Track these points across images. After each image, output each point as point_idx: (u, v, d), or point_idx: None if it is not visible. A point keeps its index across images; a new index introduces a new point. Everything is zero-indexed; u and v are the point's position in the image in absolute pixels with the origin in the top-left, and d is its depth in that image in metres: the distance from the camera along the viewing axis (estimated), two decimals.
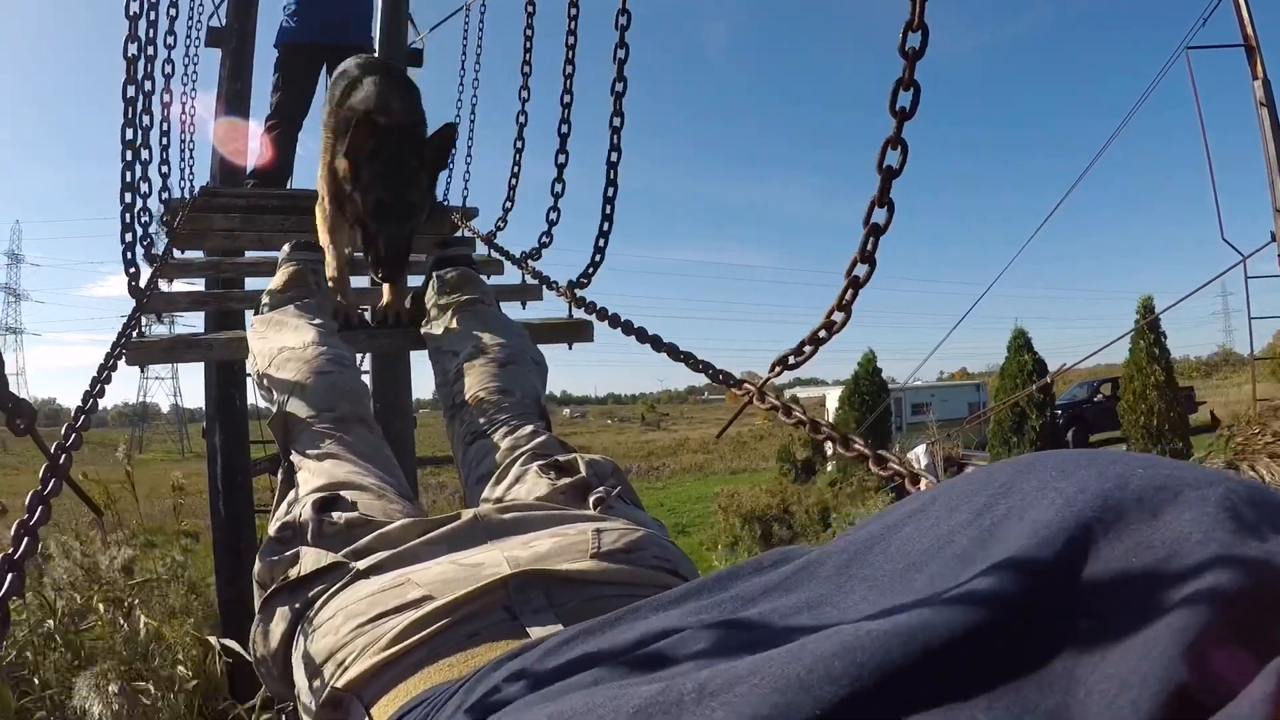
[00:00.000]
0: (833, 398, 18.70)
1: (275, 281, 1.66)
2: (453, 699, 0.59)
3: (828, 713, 0.30)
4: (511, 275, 2.58)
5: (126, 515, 5.67)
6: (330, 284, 1.77)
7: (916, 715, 0.30)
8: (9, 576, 0.75)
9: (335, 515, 0.99)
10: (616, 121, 1.90)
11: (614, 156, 1.91)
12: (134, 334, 1.70)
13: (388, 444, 1.35)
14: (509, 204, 2.81)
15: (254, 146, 3.96)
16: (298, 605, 0.88)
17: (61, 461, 1.00)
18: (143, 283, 1.83)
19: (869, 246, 1.15)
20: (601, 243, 1.99)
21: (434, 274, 1.79)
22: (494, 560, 0.80)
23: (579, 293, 2.01)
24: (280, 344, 1.44)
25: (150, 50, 1.83)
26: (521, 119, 2.63)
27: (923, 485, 1.05)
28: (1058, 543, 0.33)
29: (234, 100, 3.98)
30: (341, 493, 1.07)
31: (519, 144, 2.70)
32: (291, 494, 1.14)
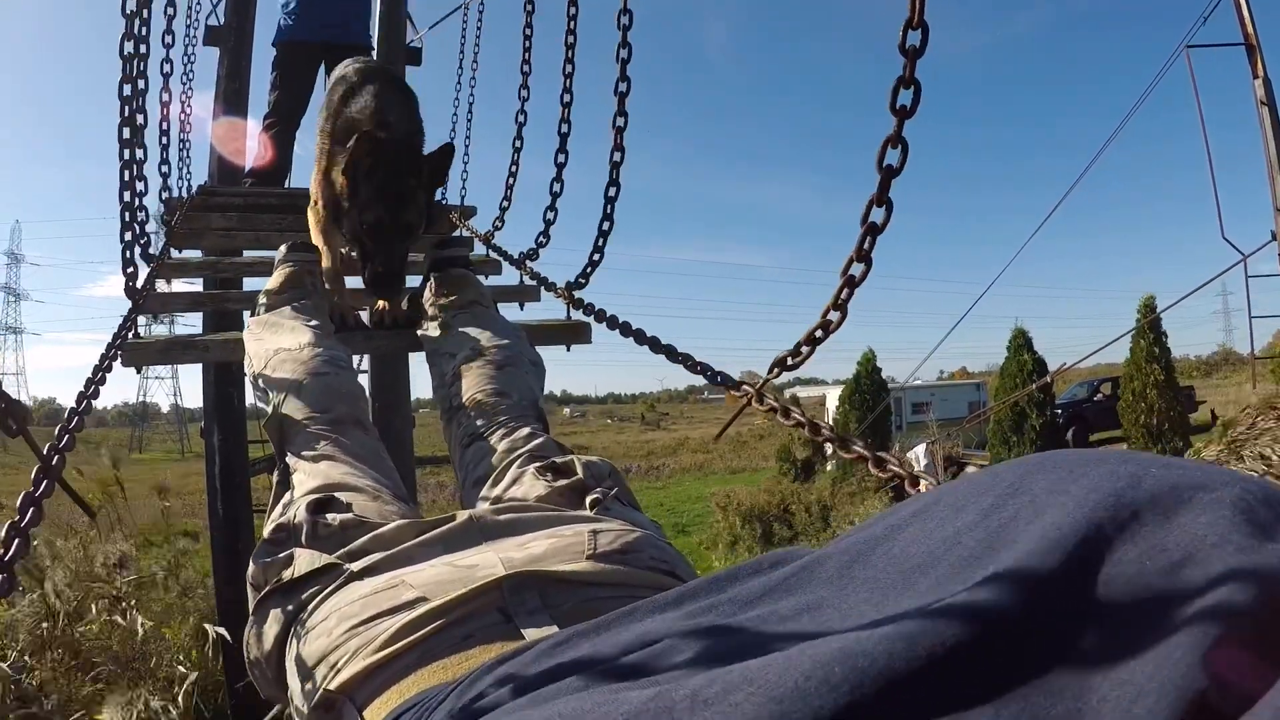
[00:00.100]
0: (833, 397, 18.69)
1: (272, 282, 1.65)
2: (445, 702, 0.58)
3: None
4: (510, 276, 2.58)
5: (126, 515, 5.67)
6: (327, 285, 1.76)
7: None
8: None
9: (330, 517, 0.98)
10: (620, 121, 1.89)
11: (616, 156, 1.90)
12: (130, 334, 1.69)
13: (384, 446, 1.35)
14: (506, 203, 2.80)
15: (252, 146, 3.97)
16: (291, 607, 0.87)
17: (54, 462, 0.99)
18: (140, 283, 1.82)
19: (866, 245, 1.15)
20: (601, 242, 1.98)
21: (431, 275, 1.78)
22: (489, 562, 0.80)
23: (577, 294, 2.01)
24: (276, 345, 1.43)
25: (144, 49, 1.82)
26: (520, 118, 2.62)
27: (923, 487, 1.04)
28: (1069, 545, 0.32)
29: (232, 99, 3.97)
30: (336, 494, 1.07)
31: (517, 143, 2.69)
32: (287, 496, 1.14)
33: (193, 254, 2.93)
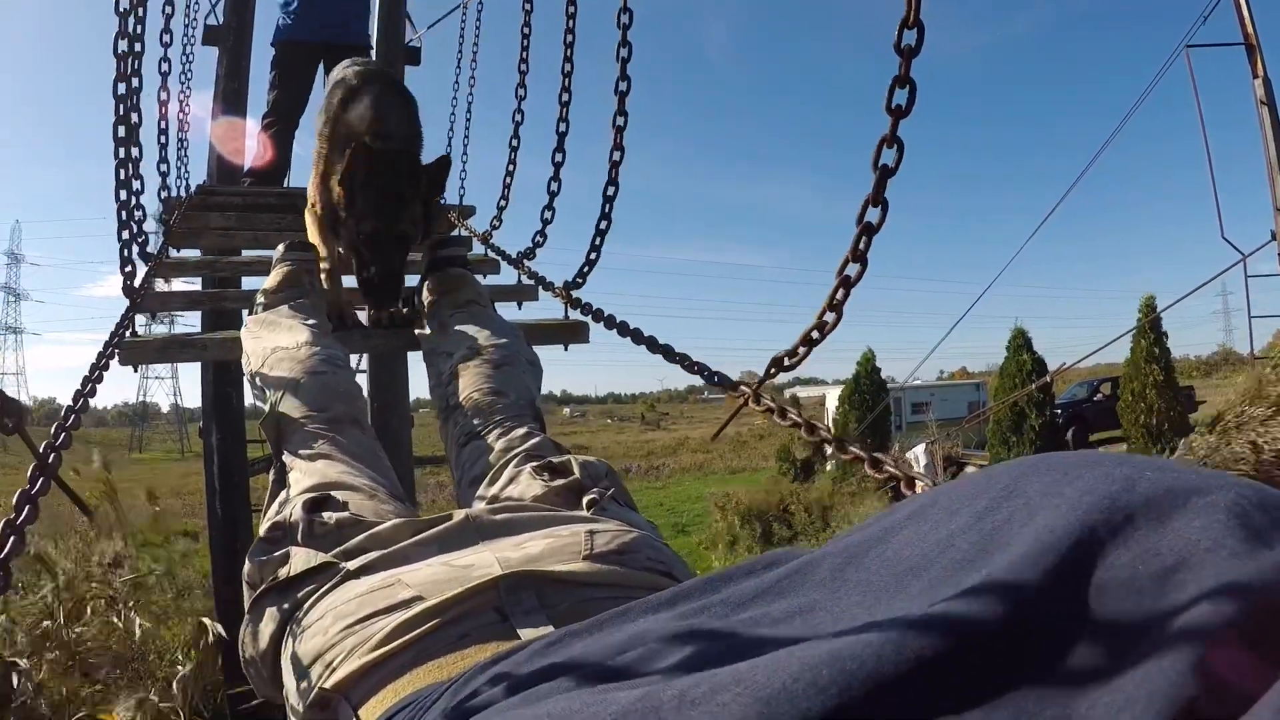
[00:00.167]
0: (833, 397, 18.69)
1: (269, 281, 1.65)
2: (439, 701, 0.58)
3: None
4: (508, 275, 2.58)
5: (122, 516, 5.66)
6: (325, 285, 1.76)
7: None
8: None
9: (326, 515, 0.98)
10: (620, 121, 1.89)
11: (616, 156, 1.90)
12: (127, 333, 1.70)
13: (381, 445, 1.35)
14: (504, 202, 2.80)
15: (251, 145, 3.97)
16: (287, 606, 0.87)
17: (50, 461, 0.99)
18: (137, 282, 1.82)
19: (861, 246, 1.15)
20: (599, 242, 1.98)
21: (429, 274, 1.78)
22: (485, 561, 0.80)
23: (575, 293, 2.01)
24: (274, 344, 1.43)
25: (139, 47, 1.82)
26: (518, 117, 2.63)
27: (919, 488, 1.04)
28: (1061, 549, 0.32)
29: (231, 99, 3.97)
30: (333, 493, 1.07)
31: (514, 142, 2.69)
32: (283, 494, 1.14)
33: (191, 253, 2.93)
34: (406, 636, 0.71)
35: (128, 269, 1.81)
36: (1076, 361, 13.67)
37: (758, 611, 0.43)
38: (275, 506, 1.10)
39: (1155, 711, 0.25)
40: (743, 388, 1.38)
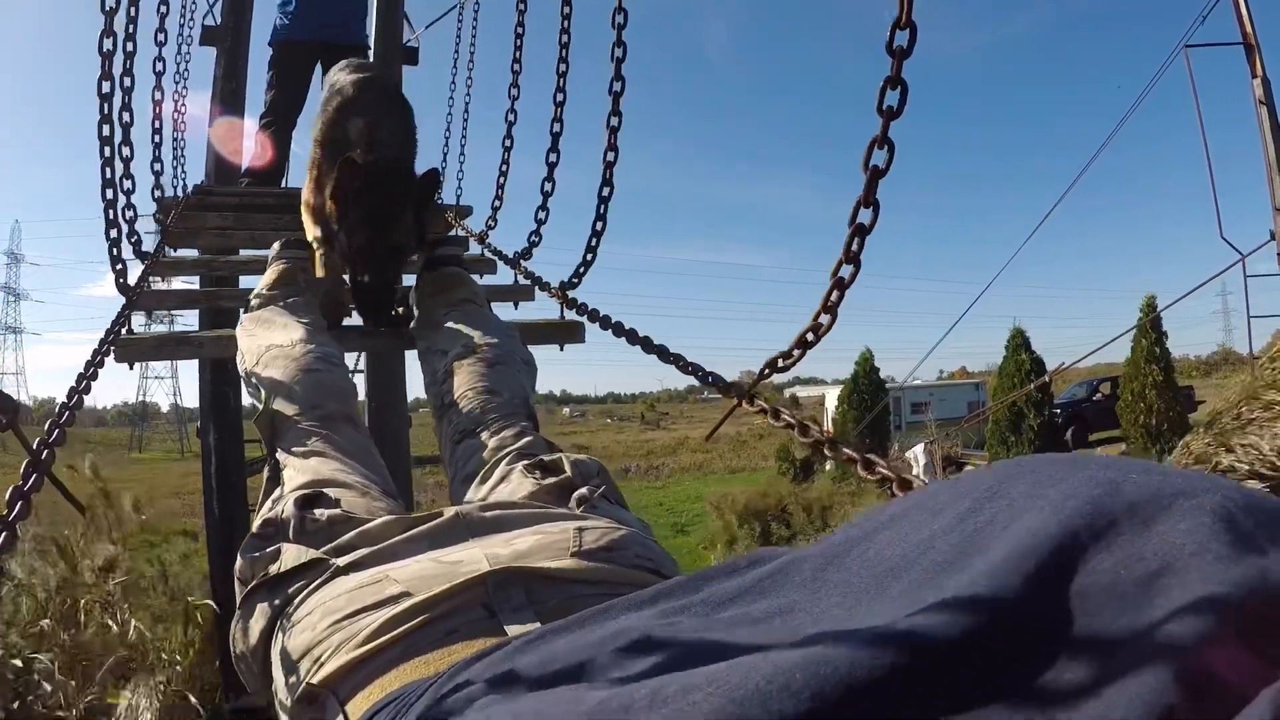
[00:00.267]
0: (832, 397, 18.73)
1: (265, 279, 1.66)
2: (423, 697, 0.58)
3: None
4: (504, 275, 2.58)
5: (114, 518, 5.65)
6: (321, 272, 1.76)
7: None
8: None
9: (318, 512, 0.98)
10: (614, 121, 1.89)
11: (610, 156, 1.90)
12: (123, 331, 1.70)
13: (379, 444, 1.35)
14: (498, 202, 2.81)
15: (248, 145, 3.97)
16: (277, 602, 0.88)
17: (44, 457, 1.00)
18: (132, 281, 1.83)
19: (854, 247, 1.15)
20: (594, 242, 1.99)
21: (425, 273, 1.78)
22: (474, 558, 0.80)
23: (570, 294, 2.01)
24: (268, 341, 1.43)
25: (130, 47, 1.83)
26: (510, 117, 2.63)
27: (915, 488, 1.04)
28: (1042, 553, 0.32)
29: (229, 99, 3.98)
30: (325, 490, 1.07)
31: (507, 142, 2.70)
32: (276, 491, 1.14)
33: (189, 253, 2.94)
34: (394, 632, 0.71)
35: (118, 267, 1.82)
36: (1076, 361, 13.69)
37: (737, 611, 0.44)
38: (268, 503, 1.11)
39: (1135, 717, 0.25)
40: (735, 388, 1.38)
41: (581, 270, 2.03)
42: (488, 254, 2.63)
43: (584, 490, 1.03)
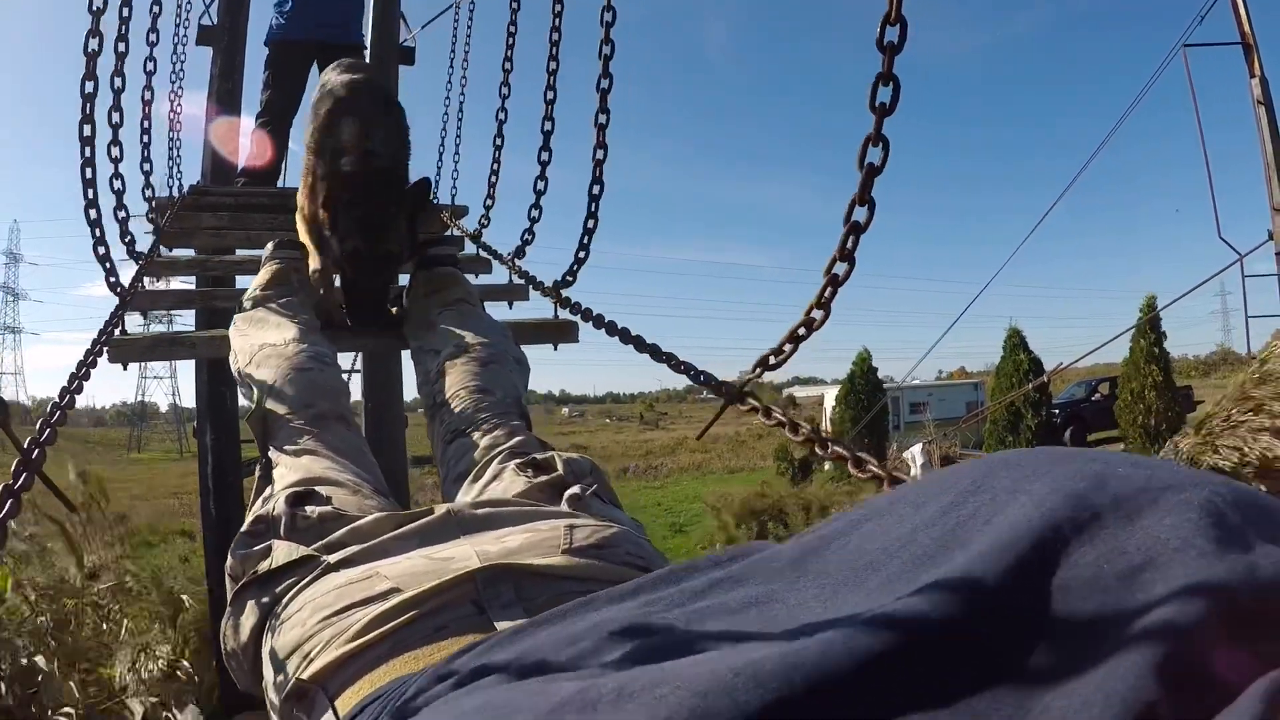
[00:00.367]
0: (831, 397, 18.71)
1: (258, 280, 1.66)
2: (407, 693, 0.58)
3: (749, 717, 0.28)
4: (499, 275, 2.58)
5: (104, 521, 5.62)
6: (313, 282, 1.76)
7: None
8: None
9: (309, 509, 0.99)
10: (602, 119, 1.89)
11: (599, 154, 1.91)
12: (116, 331, 1.70)
13: (374, 444, 1.35)
14: (490, 201, 2.82)
15: (245, 145, 3.97)
16: (267, 599, 0.88)
17: (34, 456, 1.00)
18: (125, 281, 1.83)
19: (849, 245, 1.15)
20: (586, 240, 1.99)
21: (419, 272, 1.78)
22: (464, 555, 0.80)
23: (564, 293, 2.01)
24: (261, 340, 1.44)
25: (122, 48, 1.82)
26: (501, 115, 2.64)
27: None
28: (1023, 547, 0.31)
29: (225, 99, 3.97)
30: (316, 488, 1.07)
31: (498, 140, 2.71)
32: (268, 489, 1.14)
33: (185, 253, 2.94)
34: (383, 628, 0.72)
35: (107, 266, 1.82)
36: (1074, 361, 13.70)
37: (714, 601, 0.43)
38: (260, 501, 1.11)
39: (1113, 714, 0.25)
40: (727, 388, 1.38)
41: (575, 269, 2.04)
42: (482, 253, 2.63)
43: (576, 489, 1.03)
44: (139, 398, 48.82)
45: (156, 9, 2.45)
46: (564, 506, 1.00)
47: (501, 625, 0.71)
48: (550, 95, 2.14)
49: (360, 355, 3.90)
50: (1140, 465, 0.34)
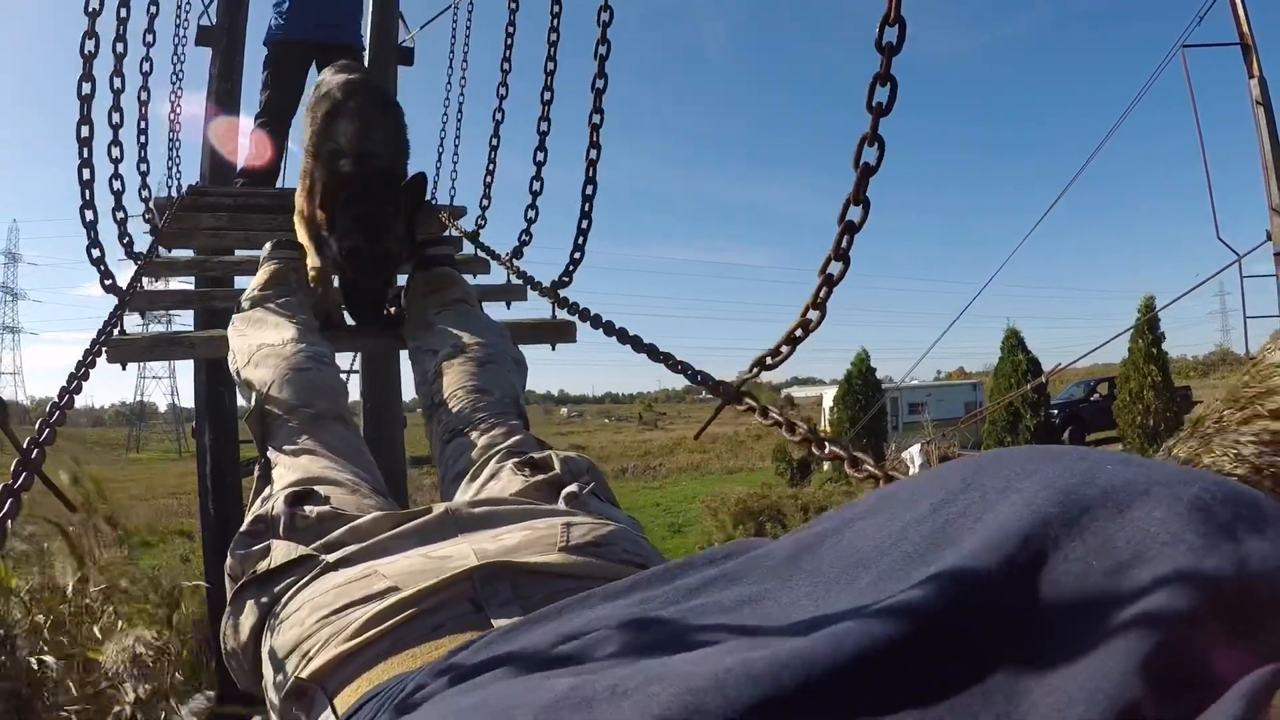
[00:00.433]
0: (829, 397, 18.70)
1: (256, 280, 1.66)
2: (404, 690, 0.59)
3: (741, 713, 0.29)
4: (497, 275, 2.59)
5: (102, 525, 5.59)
6: (311, 282, 1.77)
7: None
8: None
9: (307, 509, 0.99)
10: (596, 119, 1.90)
11: (593, 154, 1.91)
12: (115, 331, 1.70)
13: (373, 444, 1.35)
14: (486, 201, 2.82)
15: (244, 145, 3.97)
16: (266, 599, 0.88)
17: (34, 456, 1.00)
18: (122, 282, 1.84)
19: (844, 244, 1.15)
20: (581, 240, 2.00)
21: (416, 273, 1.79)
22: (462, 553, 0.81)
23: (562, 293, 2.02)
24: (260, 340, 1.44)
25: (120, 48, 1.83)
26: (498, 115, 2.65)
27: None
28: (1013, 544, 0.32)
29: (224, 99, 3.97)
30: (315, 488, 1.08)
31: (494, 141, 2.72)
32: (267, 489, 1.14)
33: (184, 253, 2.94)
34: (381, 626, 0.72)
35: (101, 268, 1.82)
36: (1073, 361, 13.71)
37: (708, 599, 0.44)
38: (259, 501, 1.11)
39: (1096, 713, 0.25)
40: (723, 387, 1.38)
41: (571, 268, 2.04)
42: (480, 253, 2.63)
43: (573, 487, 1.04)
44: (138, 398, 48.83)
45: (154, 10, 2.46)
46: (561, 505, 1.00)
47: (499, 623, 0.71)
48: (547, 96, 2.14)
49: (359, 355, 3.90)
50: (1130, 463, 0.34)
